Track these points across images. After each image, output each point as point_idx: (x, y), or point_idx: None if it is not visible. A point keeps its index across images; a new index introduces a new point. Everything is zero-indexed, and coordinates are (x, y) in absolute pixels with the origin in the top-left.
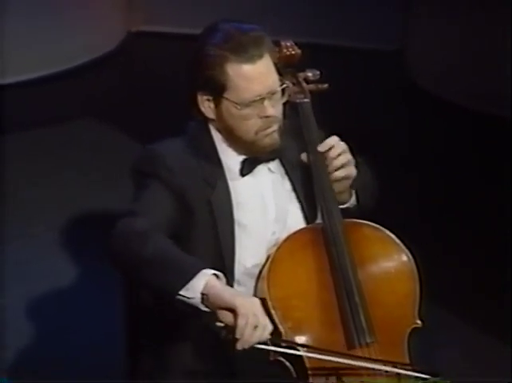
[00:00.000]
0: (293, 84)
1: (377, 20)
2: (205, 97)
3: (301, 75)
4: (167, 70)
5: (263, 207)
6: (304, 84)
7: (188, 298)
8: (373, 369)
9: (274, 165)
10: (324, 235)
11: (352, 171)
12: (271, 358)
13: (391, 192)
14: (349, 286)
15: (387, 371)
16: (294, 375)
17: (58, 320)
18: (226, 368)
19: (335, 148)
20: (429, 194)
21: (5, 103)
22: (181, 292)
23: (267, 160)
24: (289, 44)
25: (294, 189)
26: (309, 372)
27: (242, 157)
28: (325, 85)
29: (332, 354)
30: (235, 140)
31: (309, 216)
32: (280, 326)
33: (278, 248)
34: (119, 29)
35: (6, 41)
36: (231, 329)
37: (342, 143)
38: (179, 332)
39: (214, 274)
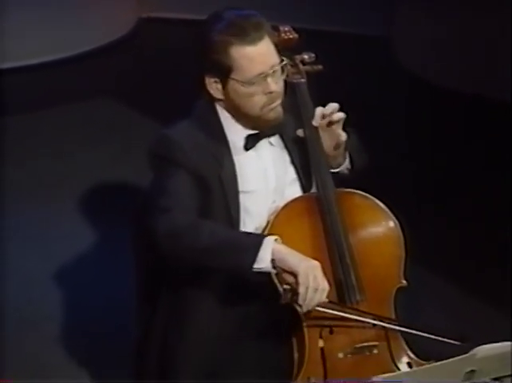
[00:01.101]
0: (291, 65)
1: (367, 7)
2: (212, 79)
3: (298, 57)
4: (175, 54)
5: (265, 178)
6: (300, 66)
7: (261, 268)
8: (365, 322)
9: (275, 139)
10: (319, 203)
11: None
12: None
13: (385, 175)
14: (341, 249)
15: (374, 324)
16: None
17: (76, 278)
18: (238, 317)
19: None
20: (422, 171)
21: (28, 83)
22: (254, 266)
23: (269, 135)
24: (287, 29)
25: (292, 162)
26: (304, 323)
27: (246, 133)
28: (320, 67)
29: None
30: (242, 117)
31: (305, 186)
32: (278, 287)
33: (277, 215)
34: (130, 15)
35: (26, 28)
36: (295, 291)
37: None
38: (193, 289)
39: (275, 239)
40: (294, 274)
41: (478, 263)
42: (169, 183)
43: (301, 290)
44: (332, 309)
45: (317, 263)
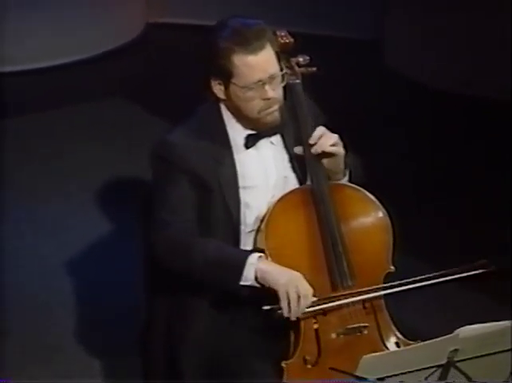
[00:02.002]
0: (287, 67)
1: (358, 11)
2: (217, 81)
3: (294, 60)
4: (181, 57)
5: (265, 175)
6: (296, 68)
7: (247, 284)
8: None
9: (276, 139)
10: (313, 195)
11: (339, 150)
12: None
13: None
14: (334, 237)
15: (364, 307)
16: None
17: (88, 266)
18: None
19: (324, 135)
20: (420, 172)
21: (45, 84)
22: (240, 283)
23: (269, 135)
24: (283, 33)
25: (291, 160)
26: None
27: (247, 132)
28: (314, 69)
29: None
30: (242, 118)
31: (303, 183)
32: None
33: (274, 206)
34: (138, 20)
35: (36, 32)
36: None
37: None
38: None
39: (259, 256)
40: (275, 291)
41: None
42: (169, 192)
43: (282, 304)
44: (322, 304)
45: (296, 275)
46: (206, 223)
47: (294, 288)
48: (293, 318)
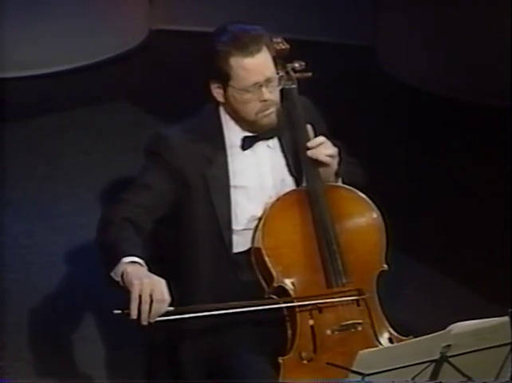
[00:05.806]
0: (283, 73)
1: (353, 18)
2: (216, 85)
3: (289, 65)
4: (183, 62)
5: (260, 176)
6: (292, 73)
7: (116, 279)
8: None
9: (273, 143)
10: (308, 196)
11: (333, 162)
12: (266, 295)
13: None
14: (329, 236)
15: (358, 305)
16: (285, 312)
17: (92, 261)
18: None
19: (324, 144)
20: (413, 172)
21: (56, 87)
22: (111, 274)
23: (266, 138)
24: (279, 40)
25: (287, 163)
26: (296, 309)
27: (244, 134)
28: (309, 74)
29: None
30: (240, 120)
31: (300, 184)
32: (272, 270)
33: (271, 207)
34: (142, 27)
35: (51, 38)
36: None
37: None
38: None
39: (132, 261)
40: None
41: (475, 256)
42: (141, 176)
43: (131, 305)
44: (180, 314)
45: (158, 280)
46: (187, 220)
47: (149, 291)
48: (143, 323)
